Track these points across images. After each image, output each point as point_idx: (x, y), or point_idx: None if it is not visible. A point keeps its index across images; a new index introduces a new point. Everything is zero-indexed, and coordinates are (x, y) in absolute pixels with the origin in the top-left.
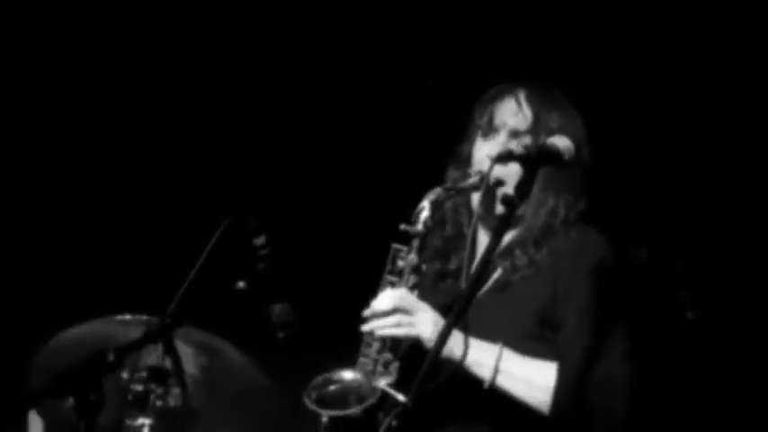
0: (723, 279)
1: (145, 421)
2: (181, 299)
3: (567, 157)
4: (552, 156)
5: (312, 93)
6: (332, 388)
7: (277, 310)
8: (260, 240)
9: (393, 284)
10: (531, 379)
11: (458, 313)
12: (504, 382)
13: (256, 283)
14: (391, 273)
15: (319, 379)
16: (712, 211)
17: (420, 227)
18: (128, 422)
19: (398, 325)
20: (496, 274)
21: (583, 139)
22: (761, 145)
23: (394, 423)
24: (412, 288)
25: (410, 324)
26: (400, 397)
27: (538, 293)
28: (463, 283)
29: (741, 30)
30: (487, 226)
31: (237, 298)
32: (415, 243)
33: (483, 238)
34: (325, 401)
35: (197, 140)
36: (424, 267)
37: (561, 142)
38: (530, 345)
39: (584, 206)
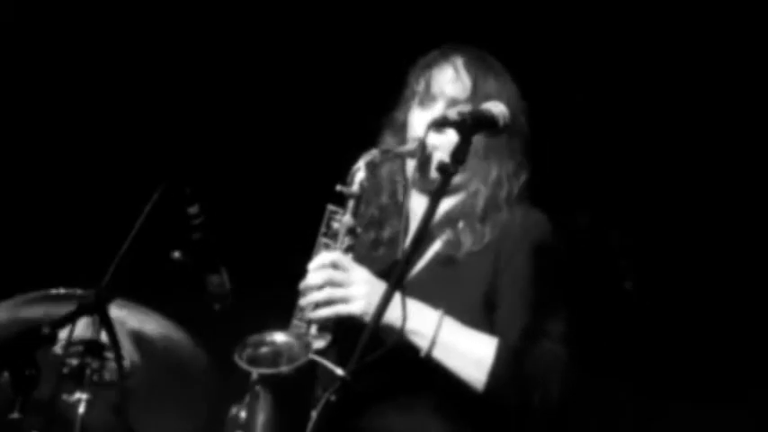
0: (663, 250)
1: (81, 396)
2: (115, 270)
3: (502, 122)
4: (487, 121)
5: (244, 56)
6: (264, 349)
7: (213, 280)
8: (194, 209)
9: (328, 246)
10: (467, 353)
11: (396, 281)
12: (440, 354)
13: (192, 252)
14: (326, 235)
15: (251, 338)
16: (656, 182)
17: (356, 188)
18: (64, 396)
19: (330, 301)
20: (437, 246)
21: (519, 106)
22: (704, 113)
23: (332, 398)
24: (347, 250)
25: (343, 299)
26: (339, 371)
27: (483, 274)
28: (400, 253)
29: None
30: (423, 193)
31: (173, 268)
32: (351, 204)
33: (417, 207)
34: (256, 360)
35: (128, 108)
36: (359, 229)
37: (496, 108)
38: (474, 325)
39: (528, 175)
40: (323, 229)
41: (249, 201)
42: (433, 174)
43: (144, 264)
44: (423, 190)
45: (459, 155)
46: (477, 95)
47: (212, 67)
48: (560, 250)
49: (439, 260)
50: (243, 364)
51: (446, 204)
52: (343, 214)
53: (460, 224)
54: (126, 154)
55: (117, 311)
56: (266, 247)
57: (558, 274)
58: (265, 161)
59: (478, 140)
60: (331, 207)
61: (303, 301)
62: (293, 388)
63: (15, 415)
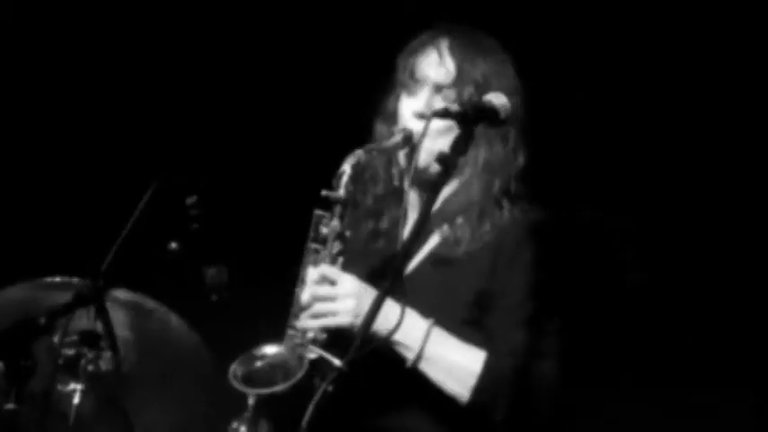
0: (668, 242)
1: (76, 386)
2: (112, 260)
3: (503, 114)
4: (489, 113)
5: (245, 52)
6: (258, 364)
7: (211, 272)
8: (191, 200)
9: (317, 252)
10: (452, 368)
11: (389, 286)
12: (425, 367)
13: (189, 244)
14: (315, 240)
15: (245, 355)
16: (661, 172)
17: (341, 192)
18: (59, 387)
19: (317, 316)
20: (434, 242)
21: (513, 88)
22: (711, 105)
23: (329, 388)
24: (336, 255)
25: (330, 312)
26: (336, 361)
27: (478, 276)
28: (399, 246)
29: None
30: (416, 183)
31: (170, 259)
32: (338, 209)
33: (413, 196)
34: (251, 379)
35: (127, 100)
36: (347, 234)
37: (498, 99)
38: (466, 331)
39: (524, 160)
40: (311, 234)
41: (248, 191)
42: (423, 162)
43: (141, 254)
44: (415, 179)
45: (461, 146)
46: (462, 80)
47: (215, 58)
48: (560, 258)
49: (436, 258)
50: (238, 386)
51: (441, 195)
52: (331, 219)
53: (459, 220)
54: (125, 145)
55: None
56: (264, 239)
57: (555, 287)
58: (265, 152)
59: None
60: (318, 212)
61: (293, 313)
62: (293, 400)
63: (10, 406)
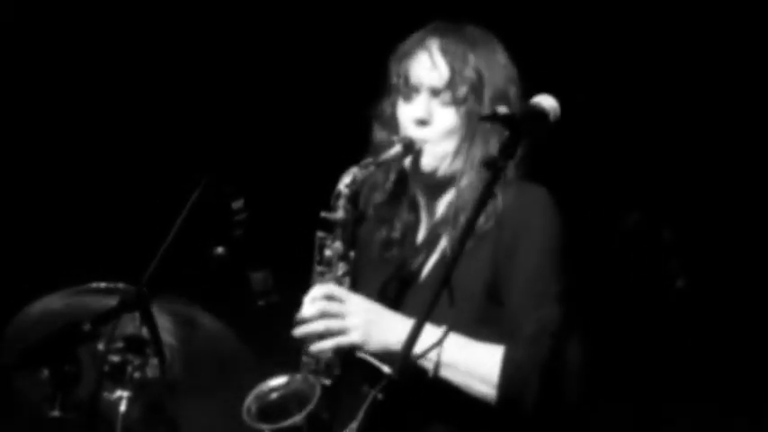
0: (714, 249)
1: (122, 393)
2: (157, 266)
3: (552, 117)
4: (537, 116)
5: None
6: (273, 396)
7: (256, 277)
8: (237, 204)
9: (322, 275)
10: (473, 371)
11: (434, 300)
12: (447, 374)
13: (235, 249)
14: (320, 263)
15: (256, 391)
16: (705, 180)
17: (340, 213)
18: (105, 394)
19: (328, 334)
20: (442, 246)
21: (507, 77)
22: (754, 114)
23: (380, 396)
24: (342, 276)
25: (340, 330)
26: (386, 369)
27: (482, 267)
28: (414, 264)
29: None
30: (423, 187)
31: (215, 265)
32: (338, 230)
33: (421, 201)
34: (266, 413)
35: (171, 104)
36: (351, 255)
37: (547, 102)
38: (480, 330)
39: (525, 150)
40: (316, 257)
41: (294, 196)
42: (428, 167)
43: (186, 259)
44: (421, 184)
45: (509, 150)
46: (456, 81)
47: (262, 64)
48: (562, 230)
49: (443, 260)
50: (253, 423)
51: (446, 198)
52: (333, 241)
53: (461, 218)
54: (169, 148)
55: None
56: (310, 243)
57: (564, 259)
58: (310, 155)
59: (463, 121)
60: (320, 234)
61: (298, 333)
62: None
63: (56, 413)
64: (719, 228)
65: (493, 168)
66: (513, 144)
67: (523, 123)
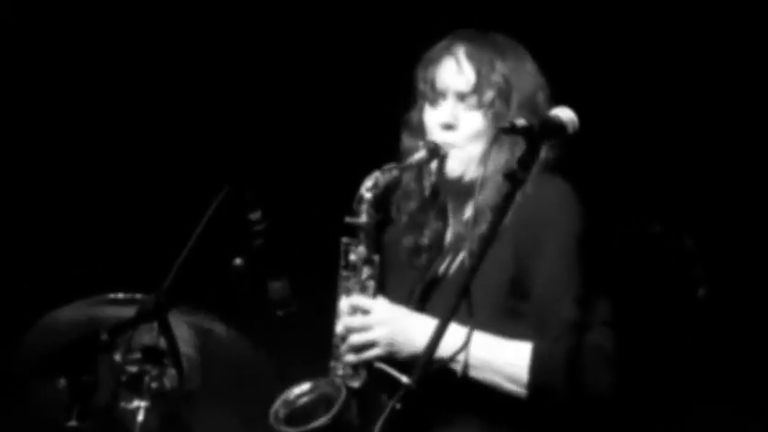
0: (737, 256)
1: (140, 404)
2: (175, 276)
3: (571, 129)
4: (556, 128)
5: (311, 58)
6: (300, 401)
7: (275, 287)
8: (256, 215)
9: (348, 279)
10: (501, 368)
11: (454, 307)
12: (476, 374)
13: (253, 259)
14: (345, 268)
15: (285, 395)
16: (728, 189)
17: (364, 217)
18: (122, 404)
19: (355, 349)
20: (468, 247)
21: (535, 85)
22: None
23: (398, 406)
24: (366, 280)
25: (365, 345)
26: (404, 378)
27: (503, 262)
28: (440, 267)
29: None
30: (450, 193)
31: (234, 276)
32: (362, 235)
33: (449, 206)
34: (293, 418)
35: (190, 113)
36: (376, 258)
37: (565, 114)
38: (505, 324)
39: (551, 155)
40: (342, 263)
41: (313, 206)
42: (453, 172)
43: (205, 270)
44: (448, 189)
45: (528, 161)
46: (482, 85)
47: (281, 72)
48: (588, 222)
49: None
50: (280, 428)
51: (472, 203)
52: (357, 245)
53: (482, 224)
54: (189, 157)
55: (180, 329)
56: (330, 253)
57: (590, 254)
58: (330, 164)
59: (490, 125)
60: (345, 239)
61: (334, 345)
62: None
63: (73, 423)
64: (742, 237)
65: (512, 181)
66: (531, 155)
67: (542, 135)
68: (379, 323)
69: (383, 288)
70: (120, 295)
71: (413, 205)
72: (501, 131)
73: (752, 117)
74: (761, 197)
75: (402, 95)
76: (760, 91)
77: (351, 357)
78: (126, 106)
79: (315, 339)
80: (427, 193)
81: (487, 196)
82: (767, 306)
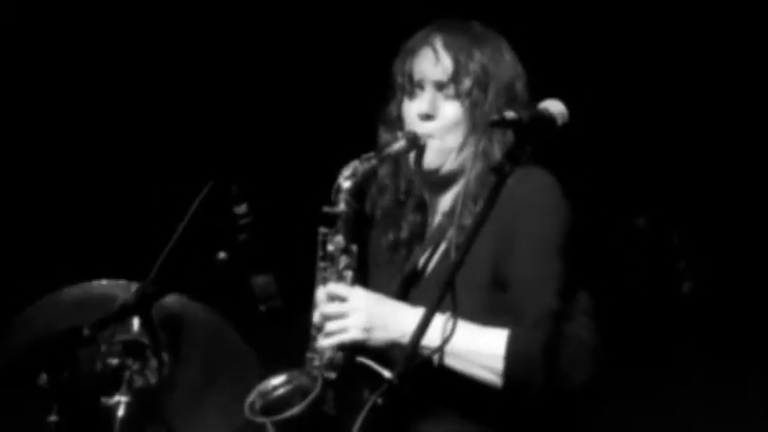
0: (722, 251)
1: (121, 398)
2: (159, 268)
3: (560, 122)
4: (545, 121)
5: (298, 52)
6: (276, 392)
7: (259, 282)
8: (241, 209)
9: (325, 270)
10: (478, 357)
11: (439, 299)
12: (452, 362)
13: (237, 253)
14: (323, 258)
15: (261, 386)
16: (714, 184)
17: (342, 206)
18: (103, 399)
19: (329, 335)
20: (448, 237)
21: (513, 73)
22: (764, 120)
23: (379, 401)
24: (343, 270)
25: (340, 330)
26: (386, 373)
27: (484, 254)
28: (420, 259)
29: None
30: (428, 185)
31: (218, 270)
32: (340, 224)
33: (427, 199)
34: (269, 408)
35: (176, 108)
36: (353, 248)
37: (555, 107)
38: (487, 317)
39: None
40: (320, 253)
41: (297, 201)
42: (432, 164)
43: (188, 264)
44: (426, 181)
45: (516, 154)
46: (460, 74)
47: (268, 66)
48: (563, 210)
49: (449, 254)
50: (255, 418)
51: (452, 191)
52: (335, 234)
53: (466, 213)
54: (174, 151)
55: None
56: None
57: (572, 246)
58: (314, 160)
59: (468, 114)
60: (322, 230)
61: (311, 337)
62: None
63: (53, 417)
64: (728, 232)
65: (499, 174)
66: (519, 149)
67: (531, 128)
68: (355, 309)
69: (366, 286)
70: (104, 282)
71: (388, 200)
72: (491, 125)
73: (737, 112)
74: (746, 192)
75: (384, 88)
76: (744, 85)
77: (325, 342)
78: (114, 102)
79: (299, 334)
80: (403, 187)
81: (470, 188)
82: (752, 300)
